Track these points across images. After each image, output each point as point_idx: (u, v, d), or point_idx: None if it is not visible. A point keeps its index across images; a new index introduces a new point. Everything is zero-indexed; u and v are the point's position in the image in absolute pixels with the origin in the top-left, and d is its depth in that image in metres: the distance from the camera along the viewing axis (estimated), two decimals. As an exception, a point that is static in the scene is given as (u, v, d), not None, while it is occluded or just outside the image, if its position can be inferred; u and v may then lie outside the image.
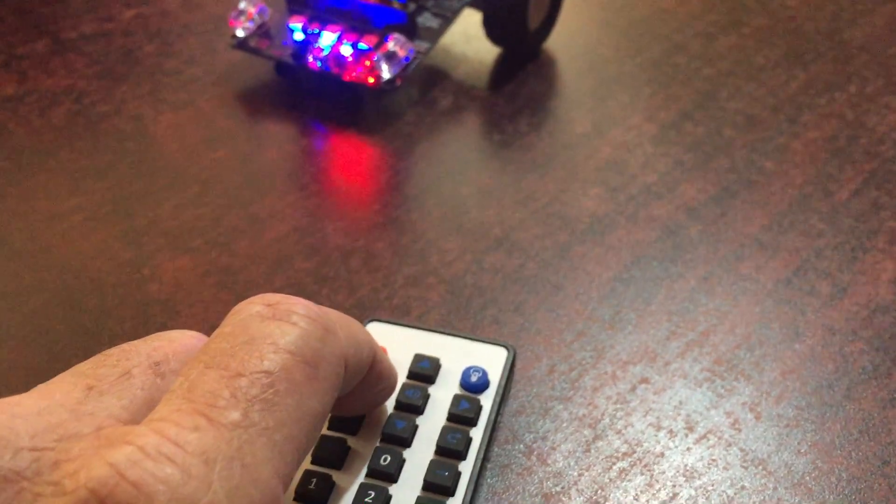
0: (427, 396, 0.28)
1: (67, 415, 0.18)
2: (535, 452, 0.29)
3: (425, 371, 0.29)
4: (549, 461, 0.29)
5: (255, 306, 0.20)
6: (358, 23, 0.44)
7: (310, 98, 0.45)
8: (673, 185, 0.39)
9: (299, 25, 0.43)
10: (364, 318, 0.32)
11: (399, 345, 0.30)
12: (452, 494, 0.26)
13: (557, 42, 0.49)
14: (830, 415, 0.30)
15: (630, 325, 0.33)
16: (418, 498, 0.26)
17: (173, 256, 0.36)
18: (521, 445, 0.29)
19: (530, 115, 0.44)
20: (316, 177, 0.40)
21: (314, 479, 0.25)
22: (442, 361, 0.29)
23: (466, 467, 0.26)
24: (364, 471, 0.26)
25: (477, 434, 0.27)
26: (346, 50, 0.43)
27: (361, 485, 0.26)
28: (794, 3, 0.52)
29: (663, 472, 0.28)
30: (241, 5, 0.44)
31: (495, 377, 0.29)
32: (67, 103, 0.44)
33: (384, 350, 0.29)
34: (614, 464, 0.29)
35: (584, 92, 0.45)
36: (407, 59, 0.42)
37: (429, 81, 0.46)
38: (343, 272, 0.35)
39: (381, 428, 0.27)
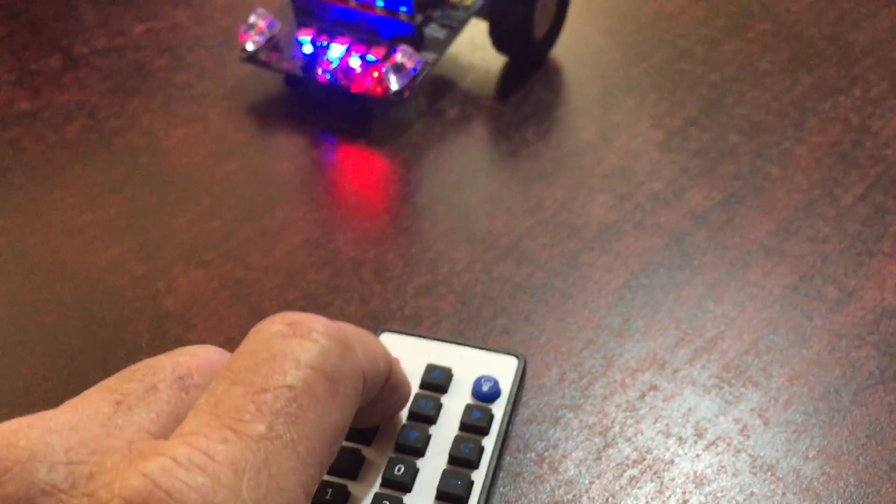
0: (440, 406, 0.29)
1: (99, 429, 0.18)
2: (547, 461, 0.29)
3: (438, 381, 0.29)
4: (561, 469, 0.29)
5: (275, 325, 0.21)
6: (366, 35, 0.44)
7: (319, 110, 0.45)
8: (679, 192, 0.40)
9: (308, 38, 0.44)
10: (376, 329, 0.32)
11: (411, 355, 0.30)
12: (466, 503, 0.26)
13: (563, 50, 0.49)
14: (838, 420, 0.30)
15: (639, 333, 0.34)
16: None
17: (187, 270, 0.36)
18: (533, 454, 0.30)
19: (537, 123, 0.44)
20: (326, 188, 0.41)
21: (330, 490, 0.26)
22: (454, 371, 0.30)
23: (479, 476, 0.27)
24: (379, 481, 0.27)
25: (489, 443, 0.28)
26: (354, 62, 0.43)
27: (376, 494, 0.26)
28: (799, 8, 0.53)
29: (673, 479, 0.29)
30: (251, 19, 0.45)
31: (506, 386, 0.30)
32: (81, 118, 0.45)
33: (397, 360, 0.30)
34: (625, 471, 0.29)
35: (591, 99, 0.46)
36: (415, 70, 0.42)
37: (436, 91, 0.47)
38: (355, 283, 0.36)
39: (395, 438, 0.28)
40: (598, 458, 0.29)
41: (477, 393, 0.29)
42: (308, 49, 0.44)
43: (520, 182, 0.41)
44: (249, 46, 0.45)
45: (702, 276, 0.36)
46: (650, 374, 0.32)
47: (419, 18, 0.43)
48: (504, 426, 0.28)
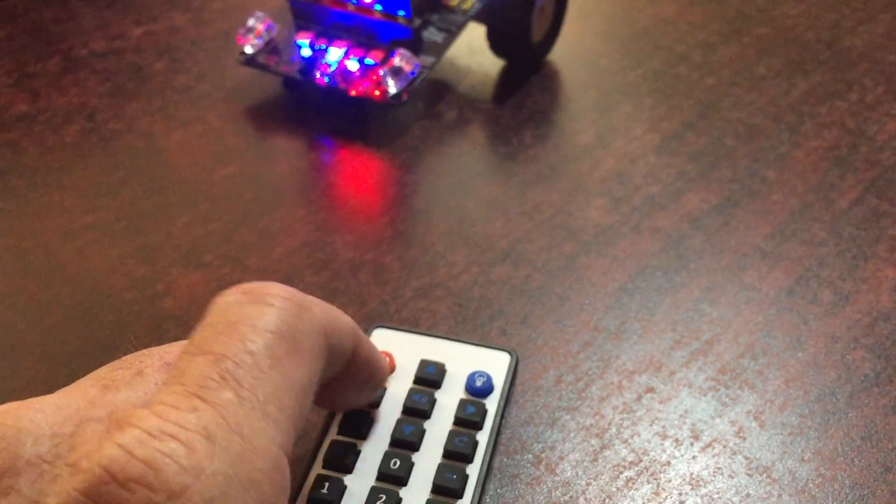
0: (434, 401, 0.29)
1: (85, 406, 0.19)
2: (544, 462, 0.30)
3: (431, 376, 0.30)
4: (558, 471, 0.29)
5: (232, 296, 0.22)
6: (364, 38, 0.44)
7: (317, 113, 0.45)
8: (676, 196, 0.40)
9: (306, 41, 0.44)
10: (369, 326, 0.33)
11: (405, 351, 0.31)
12: (461, 497, 0.26)
13: (560, 54, 0.50)
14: (833, 422, 0.31)
15: (635, 336, 0.34)
16: (427, 501, 0.26)
17: (186, 272, 0.37)
18: (530, 455, 0.30)
19: (535, 127, 0.44)
20: (324, 191, 0.41)
21: (326, 483, 0.26)
22: (447, 367, 0.30)
23: (473, 470, 0.27)
24: (375, 475, 0.27)
25: (483, 437, 0.28)
26: (352, 65, 0.43)
27: (372, 488, 0.26)
28: (795, 12, 0.53)
29: (669, 481, 0.29)
30: (250, 22, 0.45)
31: (499, 382, 0.30)
32: (80, 121, 0.45)
33: (390, 356, 0.30)
34: (621, 473, 0.29)
35: (588, 103, 0.46)
36: (413, 73, 0.42)
37: (434, 95, 0.47)
38: (353, 285, 0.36)
39: (391, 433, 0.28)
40: (595, 460, 0.30)
41: (470, 388, 0.29)
42: (306, 52, 0.44)
43: (517, 185, 0.41)
44: (248, 49, 0.45)
45: (698, 280, 0.36)
46: (647, 376, 0.32)
47: (417, 22, 0.44)
48: (498, 421, 0.29)
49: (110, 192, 0.41)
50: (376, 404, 0.29)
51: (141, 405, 0.20)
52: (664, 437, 0.30)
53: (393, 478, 0.27)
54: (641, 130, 0.44)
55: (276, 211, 0.40)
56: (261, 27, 0.45)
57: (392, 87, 0.42)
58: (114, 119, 0.45)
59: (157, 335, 0.34)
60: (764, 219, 0.39)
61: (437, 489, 0.26)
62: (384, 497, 0.26)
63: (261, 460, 0.18)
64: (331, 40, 0.44)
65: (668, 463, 0.29)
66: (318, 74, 0.44)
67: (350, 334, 0.24)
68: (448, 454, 0.27)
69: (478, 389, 0.29)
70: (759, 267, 0.36)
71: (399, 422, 0.28)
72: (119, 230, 0.39)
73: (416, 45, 0.44)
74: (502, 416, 0.29)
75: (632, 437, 0.30)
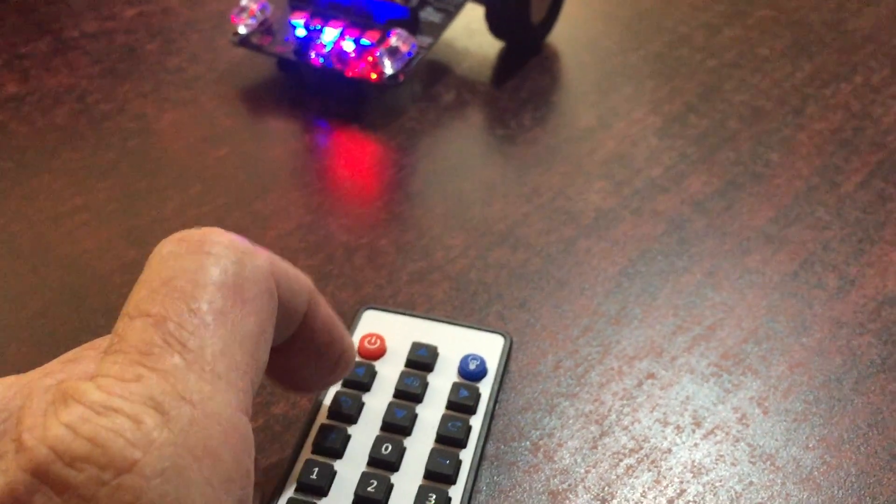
0: (426, 385, 0.28)
1: (39, 377, 0.18)
2: (542, 449, 0.29)
3: (423, 359, 0.29)
4: (556, 458, 0.29)
5: (168, 246, 0.20)
6: (360, 18, 0.43)
7: (312, 95, 0.44)
8: (678, 179, 0.39)
9: (301, 22, 0.43)
10: (360, 307, 0.32)
11: (396, 333, 0.30)
12: (454, 483, 0.26)
13: (561, 35, 0.49)
14: (839, 409, 0.30)
15: (636, 320, 0.33)
16: (420, 487, 0.26)
17: (177, 255, 0.36)
18: (528, 442, 0.29)
19: (534, 109, 0.44)
20: (319, 174, 0.40)
21: (316, 469, 0.25)
22: (439, 350, 0.29)
23: (467, 455, 0.27)
24: (366, 460, 0.26)
25: (476, 422, 0.27)
26: (348, 46, 0.42)
27: (363, 474, 0.26)
28: (799, -6, 0.52)
29: (671, 469, 0.28)
30: (243, 2, 0.44)
31: (493, 365, 0.29)
32: (70, 102, 0.44)
33: (381, 338, 0.29)
34: (621, 460, 0.29)
35: (588, 85, 0.45)
36: (409, 54, 0.42)
37: (432, 76, 0.46)
38: (347, 269, 0.35)
39: (382, 416, 0.27)
40: (594, 447, 0.29)
41: (464, 371, 0.29)
42: (301, 33, 0.43)
43: (516, 168, 0.40)
44: (241, 30, 0.44)
45: (700, 264, 0.35)
46: (647, 361, 0.32)
47: (415, 2, 0.43)
48: (491, 405, 0.28)
49: (101, 175, 0.40)
50: (367, 387, 0.28)
51: (85, 376, 0.19)
52: (665, 423, 0.30)
53: (384, 463, 0.26)
54: (643, 113, 0.43)
55: (270, 193, 0.39)
56: (255, 7, 0.44)
57: (388, 68, 0.41)
58: (105, 100, 0.44)
59: (147, 319, 0.33)
60: (768, 202, 0.38)
61: (430, 475, 0.26)
62: (375, 483, 0.25)
63: (215, 426, 0.17)
64: (326, 20, 0.43)
65: (670, 450, 0.29)
66: (312, 55, 0.43)
67: (304, 289, 0.22)
68: (441, 439, 0.27)
69: (471, 373, 0.29)
70: (762, 251, 0.36)
71: (390, 405, 0.27)
72: (109, 213, 0.38)
73: (413, 26, 0.43)
74: (496, 401, 0.29)
75: (632, 423, 0.30)
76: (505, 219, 0.37)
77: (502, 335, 0.30)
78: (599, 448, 0.29)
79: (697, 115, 0.43)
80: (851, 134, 0.42)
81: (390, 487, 0.25)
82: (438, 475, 0.26)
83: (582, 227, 0.37)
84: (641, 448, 0.29)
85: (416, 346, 0.29)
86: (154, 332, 0.18)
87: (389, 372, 0.29)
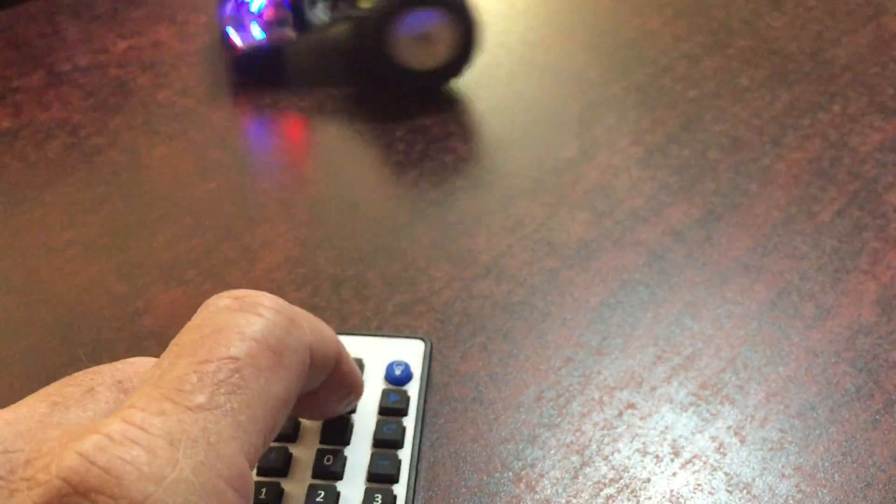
0: None
1: (35, 424, 0.19)
2: (524, 480, 0.29)
3: None
4: (538, 488, 0.29)
5: (223, 300, 0.21)
6: None
7: (300, 128, 0.45)
8: (659, 209, 0.40)
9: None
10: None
11: None
12: (397, 481, 0.27)
13: (544, 66, 0.50)
14: (814, 437, 0.31)
15: (617, 351, 0.34)
16: (366, 490, 0.27)
17: (167, 289, 0.36)
18: (510, 473, 0.30)
19: (518, 140, 0.44)
20: (306, 206, 0.41)
21: (264, 489, 0.27)
22: (365, 361, 0.31)
23: (405, 454, 0.28)
24: (310, 473, 0.27)
25: (410, 423, 0.29)
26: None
27: (310, 486, 0.27)
28: (779, 24, 0.53)
29: (650, 498, 0.29)
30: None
31: (417, 369, 0.31)
32: (62, 136, 0.45)
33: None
34: (601, 490, 0.29)
35: (571, 116, 0.46)
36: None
37: (417, 108, 0.47)
38: (334, 301, 0.36)
39: (319, 431, 0.29)
40: (576, 477, 0.29)
41: (390, 377, 0.30)
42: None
43: (500, 199, 0.41)
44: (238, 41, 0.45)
45: (680, 294, 0.36)
46: (628, 392, 0.32)
47: None
48: (421, 405, 0.30)
49: (92, 209, 0.41)
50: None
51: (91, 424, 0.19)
52: (644, 453, 0.30)
53: (329, 473, 0.27)
54: (625, 143, 0.44)
55: (258, 227, 0.39)
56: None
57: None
58: (97, 134, 0.45)
59: (138, 353, 0.34)
60: (746, 232, 0.39)
61: (373, 477, 0.27)
62: (323, 493, 0.27)
63: (225, 468, 0.18)
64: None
65: (649, 480, 0.29)
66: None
67: (334, 350, 0.24)
68: (378, 443, 0.28)
69: (397, 378, 0.30)
70: (741, 281, 0.36)
71: (326, 420, 0.29)
72: (100, 246, 0.38)
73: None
74: (425, 401, 0.30)
75: (612, 453, 0.30)
76: (489, 250, 0.38)
77: (422, 339, 0.32)
78: (580, 478, 0.29)
79: (679, 146, 0.44)
80: (828, 164, 0.43)
81: (338, 495, 0.27)
82: (381, 476, 0.27)
83: (564, 258, 0.38)
84: (621, 478, 0.29)
85: None
86: (193, 370, 0.19)
87: None
